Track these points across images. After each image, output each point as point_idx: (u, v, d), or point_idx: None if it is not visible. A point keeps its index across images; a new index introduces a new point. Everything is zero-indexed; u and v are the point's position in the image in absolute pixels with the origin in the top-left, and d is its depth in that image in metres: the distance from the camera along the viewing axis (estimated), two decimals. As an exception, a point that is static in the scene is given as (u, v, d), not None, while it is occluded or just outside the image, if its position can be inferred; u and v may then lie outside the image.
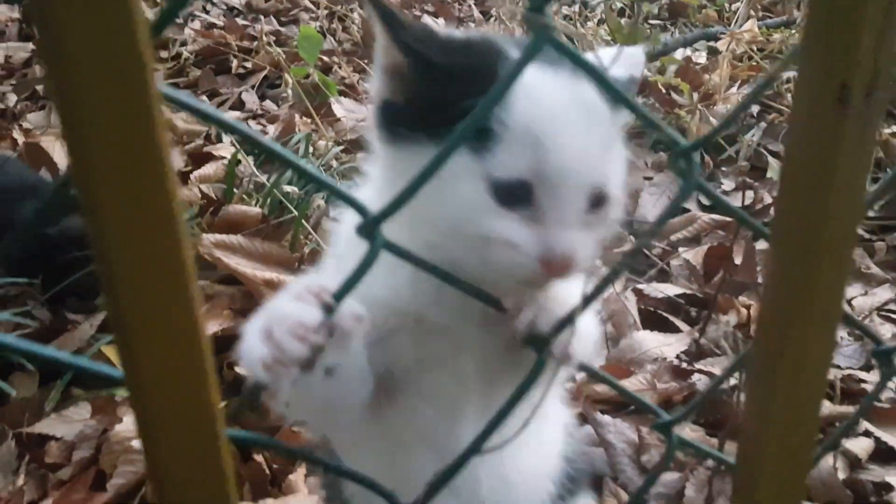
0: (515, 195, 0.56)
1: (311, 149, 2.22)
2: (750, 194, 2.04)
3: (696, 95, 2.43)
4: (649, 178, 2.18)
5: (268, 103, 2.93)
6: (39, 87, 2.94)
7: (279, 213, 1.91)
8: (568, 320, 0.56)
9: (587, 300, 0.55)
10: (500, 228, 0.56)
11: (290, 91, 2.86)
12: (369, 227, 0.45)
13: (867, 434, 1.27)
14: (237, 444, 0.42)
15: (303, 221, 1.85)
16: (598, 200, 0.58)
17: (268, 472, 1.23)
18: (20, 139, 2.39)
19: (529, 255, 0.55)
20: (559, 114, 0.56)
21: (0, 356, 1.39)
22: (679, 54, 2.88)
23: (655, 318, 1.62)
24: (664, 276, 1.78)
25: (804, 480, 0.54)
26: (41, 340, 1.48)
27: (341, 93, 2.82)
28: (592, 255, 0.58)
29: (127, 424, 1.28)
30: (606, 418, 1.23)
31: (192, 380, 0.35)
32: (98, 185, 0.28)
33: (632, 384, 1.33)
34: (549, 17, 0.43)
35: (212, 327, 1.50)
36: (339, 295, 0.48)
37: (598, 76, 0.48)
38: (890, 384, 1.46)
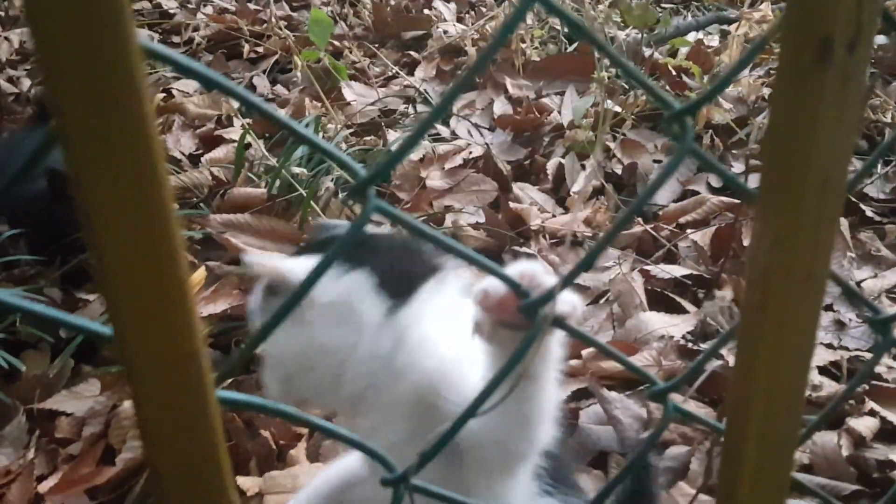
0: None
1: (320, 132, 2.23)
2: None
3: (706, 78, 2.42)
4: (658, 161, 2.18)
5: (279, 88, 2.94)
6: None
7: (288, 194, 1.92)
8: (564, 284, 0.56)
9: (584, 266, 0.55)
10: None
11: (300, 75, 2.87)
12: (361, 189, 0.45)
13: (872, 413, 1.27)
14: (230, 406, 0.42)
15: (311, 202, 1.86)
16: None
17: (274, 447, 1.24)
18: (33, 122, 2.40)
19: None
20: None
21: (12, 333, 1.41)
22: (691, 37, 2.87)
23: (662, 298, 1.62)
24: (672, 258, 1.78)
25: (793, 444, 0.54)
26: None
27: (352, 77, 2.82)
28: None
29: (136, 400, 1.29)
30: (613, 394, 1.24)
31: (178, 332, 0.36)
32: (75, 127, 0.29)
33: (637, 360, 1.34)
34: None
35: (220, 306, 1.52)
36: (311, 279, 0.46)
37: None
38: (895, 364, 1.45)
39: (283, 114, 2.57)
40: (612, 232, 0.54)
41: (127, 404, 1.28)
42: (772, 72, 2.50)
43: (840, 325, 1.64)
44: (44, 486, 1.16)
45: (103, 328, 0.41)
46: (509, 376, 0.54)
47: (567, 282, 0.54)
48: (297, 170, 1.92)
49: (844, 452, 1.16)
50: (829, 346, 1.53)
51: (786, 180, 0.40)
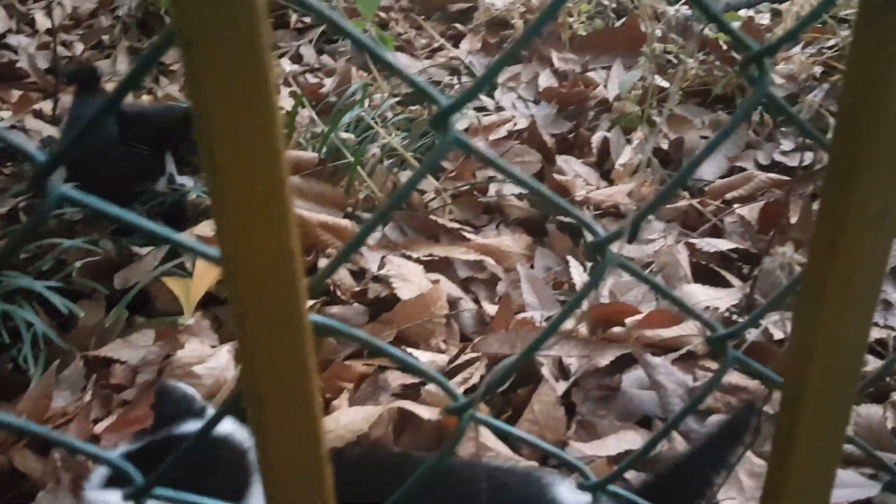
0: None
1: (367, 100, 2.25)
2: (809, 155, 2.01)
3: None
4: (705, 138, 2.16)
5: (325, 58, 2.96)
6: (105, 37, 3.01)
7: (335, 160, 1.94)
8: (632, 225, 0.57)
9: (639, 219, 0.56)
10: None
11: (346, 45, 2.89)
12: (443, 118, 0.46)
13: (919, 390, 1.26)
14: (320, 333, 0.44)
15: (358, 168, 1.88)
16: None
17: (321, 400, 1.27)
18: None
19: None
20: None
21: (68, 283, 1.45)
22: (742, 14, 2.83)
23: (707, 272, 1.61)
24: (717, 233, 1.77)
25: (850, 400, 0.55)
26: (108, 270, 1.54)
27: (397, 48, 2.84)
28: None
29: (188, 351, 1.33)
30: (657, 360, 1.25)
31: (280, 262, 0.37)
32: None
33: (682, 329, 1.34)
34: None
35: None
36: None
37: None
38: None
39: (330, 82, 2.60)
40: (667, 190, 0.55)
41: (180, 354, 1.32)
42: (824, 50, 2.47)
43: (887, 305, 1.62)
44: (99, 427, 1.20)
45: (211, 250, 0.43)
46: (573, 313, 0.55)
47: (635, 224, 0.55)
48: (344, 135, 1.94)
49: (889, 425, 1.16)
50: (875, 324, 1.52)
51: (863, 117, 0.40)
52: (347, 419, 1.15)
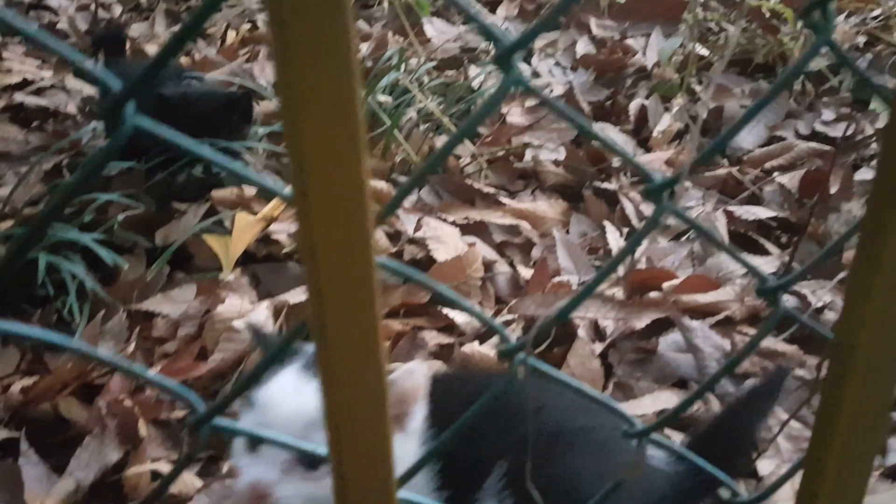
0: None
1: (403, 64, 2.24)
2: (851, 126, 1.98)
3: (800, 23, 2.35)
4: (745, 107, 2.13)
5: (361, 23, 2.96)
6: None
7: (372, 124, 1.94)
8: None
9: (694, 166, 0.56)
10: None
11: (384, 9, 2.88)
12: (505, 57, 0.46)
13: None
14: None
15: (395, 131, 1.88)
16: None
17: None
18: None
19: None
20: None
21: (109, 236, 1.47)
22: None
23: (745, 239, 1.60)
24: (756, 202, 1.76)
25: None
26: (149, 225, 1.56)
27: (433, 14, 2.82)
28: None
29: (228, 306, 1.35)
30: (695, 323, 1.25)
31: (350, 194, 0.38)
32: None
33: (720, 295, 1.34)
34: None
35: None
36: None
37: None
38: None
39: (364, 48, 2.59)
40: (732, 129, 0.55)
41: (221, 309, 1.34)
42: (868, 20, 2.42)
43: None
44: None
45: (277, 185, 0.44)
46: (627, 257, 0.55)
47: (689, 169, 0.55)
48: (382, 98, 1.94)
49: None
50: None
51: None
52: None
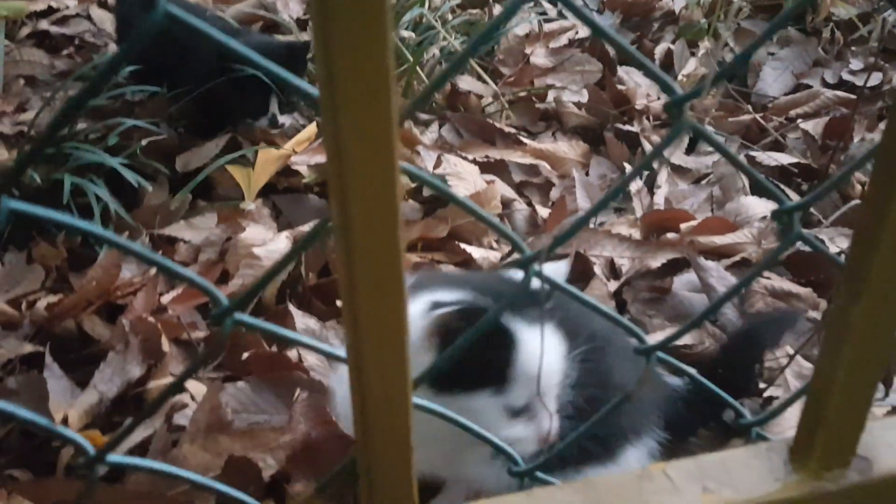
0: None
1: (427, 0, 2.22)
2: (878, 75, 1.95)
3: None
4: (772, 54, 2.10)
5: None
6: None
7: (395, 59, 1.93)
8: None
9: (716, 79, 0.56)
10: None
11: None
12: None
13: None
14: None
15: (416, 68, 1.87)
16: None
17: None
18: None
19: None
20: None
21: (133, 162, 1.49)
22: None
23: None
24: (779, 149, 1.75)
25: None
26: (170, 152, 1.58)
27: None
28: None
29: (249, 233, 1.37)
30: (710, 263, 1.25)
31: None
32: None
33: (737, 237, 1.34)
34: None
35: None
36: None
37: None
38: None
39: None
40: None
41: (242, 236, 1.36)
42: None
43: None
44: (166, 298, 1.25)
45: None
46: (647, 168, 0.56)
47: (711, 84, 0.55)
48: (405, 33, 1.93)
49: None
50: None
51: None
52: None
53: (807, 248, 1.30)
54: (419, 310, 0.80)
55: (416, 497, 0.53)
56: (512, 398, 0.81)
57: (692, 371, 0.69)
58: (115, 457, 0.53)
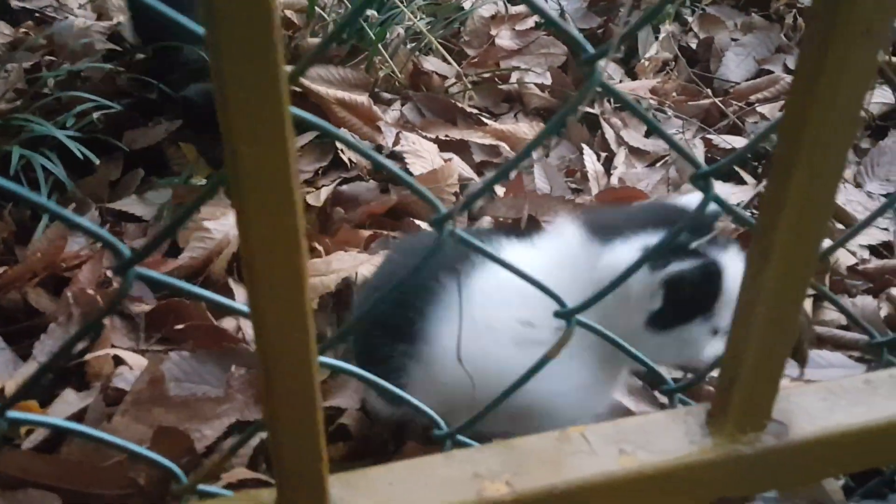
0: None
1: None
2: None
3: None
4: (736, 40, 2.11)
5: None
6: None
7: (359, 38, 1.92)
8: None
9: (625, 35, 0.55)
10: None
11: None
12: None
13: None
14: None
15: (378, 46, 1.86)
16: None
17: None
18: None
19: None
20: None
21: (88, 135, 1.47)
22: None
23: (722, 168, 1.60)
24: (737, 133, 1.76)
25: (816, 250, 0.55)
26: (123, 128, 1.56)
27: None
28: None
29: (202, 210, 1.36)
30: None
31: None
32: None
33: (686, 216, 1.35)
34: None
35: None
36: None
37: None
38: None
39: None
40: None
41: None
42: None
43: (902, 213, 1.62)
44: (111, 273, 1.24)
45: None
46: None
47: (621, 41, 0.55)
48: (368, 12, 1.92)
49: (882, 314, 1.17)
50: (885, 229, 1.51)
51: None
52: (339, 263, 1.19)
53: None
54: (630, 253, 0.84)
55: (323, 454, 0.53)
56: (718, 320, 0.88)
57: (615, 337, 0.69)
58: (16, 413, 0.52)
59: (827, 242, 0.73)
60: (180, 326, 1.08)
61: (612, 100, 1.86)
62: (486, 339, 0.84)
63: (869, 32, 0.45)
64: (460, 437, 0.66)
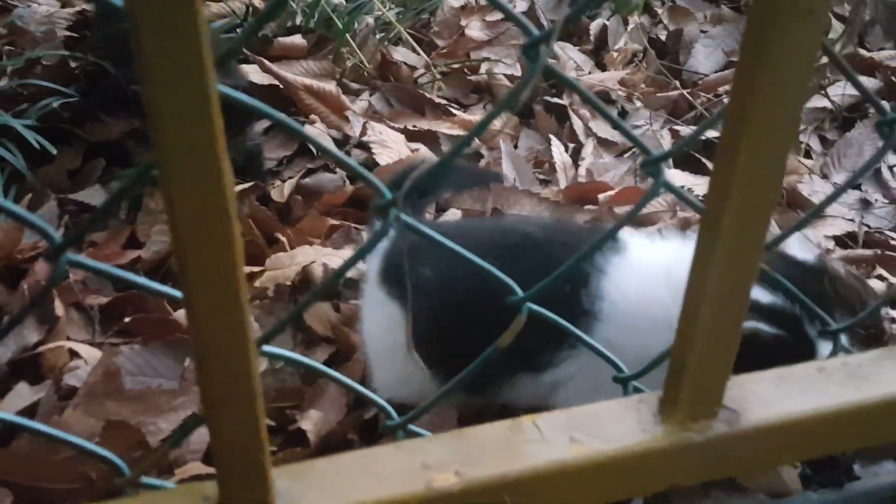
0: None
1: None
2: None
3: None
4: (705, 32, 2.11)
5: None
6: None
7: (327, 28, 1.90)
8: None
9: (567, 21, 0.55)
10: None
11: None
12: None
13: (881, 279, 1.28)
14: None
15: (347, 37, 1.84)
16: None
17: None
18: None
19: None
20: None
21: (47, 125, 1.44)
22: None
23: (690, 158, 1.61)
24: (705, 124, 1.76)
25: (762, 235, 0.55)
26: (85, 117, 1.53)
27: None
28: None
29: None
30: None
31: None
32: None
33: (652, 206, 1.35)
34: None
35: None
36: None
37: None
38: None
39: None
40: None
41: (153, 204, 1.32)
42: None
43: (866, 204, 1.63)
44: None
45: None
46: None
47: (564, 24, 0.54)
48: (336, 1, 1.90)
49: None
50: (851, 220, 1.52)
51: None
52: (303, 257, 1.18)
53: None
54: None
55: (265, 445, 0.52)
56: None
57: (568, 325, 0.68)
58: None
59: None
60: (128, 319, 1.07)
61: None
62: None
63: (812, 13, 0.45)
64: (412, 427, 0.66)
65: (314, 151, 1.57)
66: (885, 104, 0.78)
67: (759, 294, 0.88)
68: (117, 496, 0.59)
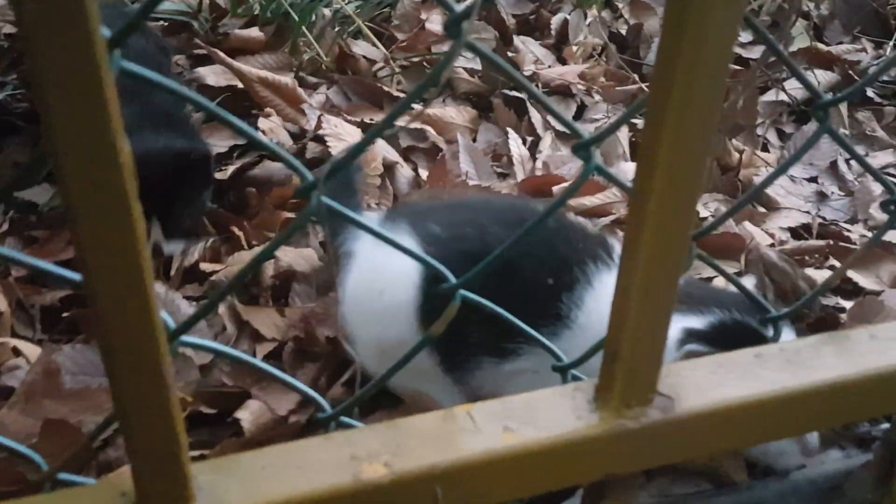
0: None
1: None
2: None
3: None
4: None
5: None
6: None
7: (284, 20, 1.88)
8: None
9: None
10: None
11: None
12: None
13: (833, 269, 1.29)
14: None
15: (304, 29, 1.82)
16: None
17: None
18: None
19: None
20: None
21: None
22: None
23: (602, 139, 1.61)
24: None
25: (688, 220, 0.54)
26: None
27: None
28: None
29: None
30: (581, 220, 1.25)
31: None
32: None
33: (607, 197, 1.35)
34: None
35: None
36: None
37: None
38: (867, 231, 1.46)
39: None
40: None
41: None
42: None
43: (822, 197, 1.64)
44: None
45: None
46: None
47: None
48: (294, -8, 1.87)
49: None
50: (807, 212, 1.53)
51: None
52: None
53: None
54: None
55: (181, 437, 0.50)
56: None
57: (505, 312, 0.67)
58: None
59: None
60: (66, 314, 1.04)
61: (539, 83, 1.85)
62: None
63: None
64: (344, 419, 0.64)
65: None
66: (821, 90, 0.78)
67: (695, 321, 0.90)
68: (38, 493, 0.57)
